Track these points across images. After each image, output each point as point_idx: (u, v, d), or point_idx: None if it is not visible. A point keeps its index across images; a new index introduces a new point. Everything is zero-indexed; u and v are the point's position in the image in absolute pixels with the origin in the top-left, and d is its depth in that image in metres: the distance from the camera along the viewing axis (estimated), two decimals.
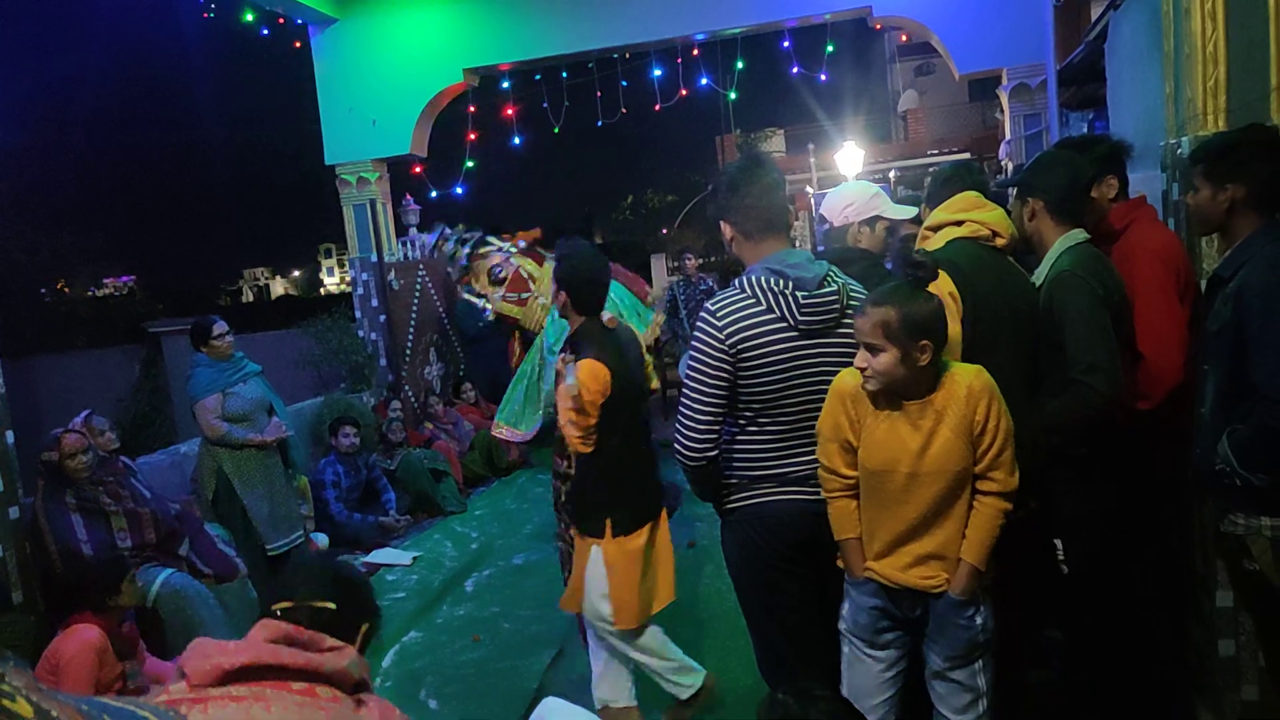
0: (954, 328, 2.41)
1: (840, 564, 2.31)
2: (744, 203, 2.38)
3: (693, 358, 2.32)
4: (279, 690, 1.38)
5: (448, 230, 4.83)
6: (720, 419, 2.31)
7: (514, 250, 4.57)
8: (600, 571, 3.01)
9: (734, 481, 2.41)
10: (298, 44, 8.38)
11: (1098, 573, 2.62)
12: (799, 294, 2.26)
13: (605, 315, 3.17)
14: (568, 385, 2.96)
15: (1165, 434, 2.55)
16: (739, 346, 2.26)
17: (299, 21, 8.16)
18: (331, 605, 1.52)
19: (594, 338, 3.05)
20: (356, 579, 1.67)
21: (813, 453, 2.33)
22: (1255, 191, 2.30)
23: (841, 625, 2.34)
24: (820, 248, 3.33)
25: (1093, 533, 2.59)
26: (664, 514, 3.18)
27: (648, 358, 3.80)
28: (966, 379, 2.10)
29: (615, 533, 2.99)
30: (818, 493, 2.32)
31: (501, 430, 4.39)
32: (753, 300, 2.29)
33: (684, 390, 2.35)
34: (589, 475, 3.09)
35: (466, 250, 4.52)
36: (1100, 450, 2.50)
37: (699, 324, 2.33)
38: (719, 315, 2.28)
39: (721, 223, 2.45)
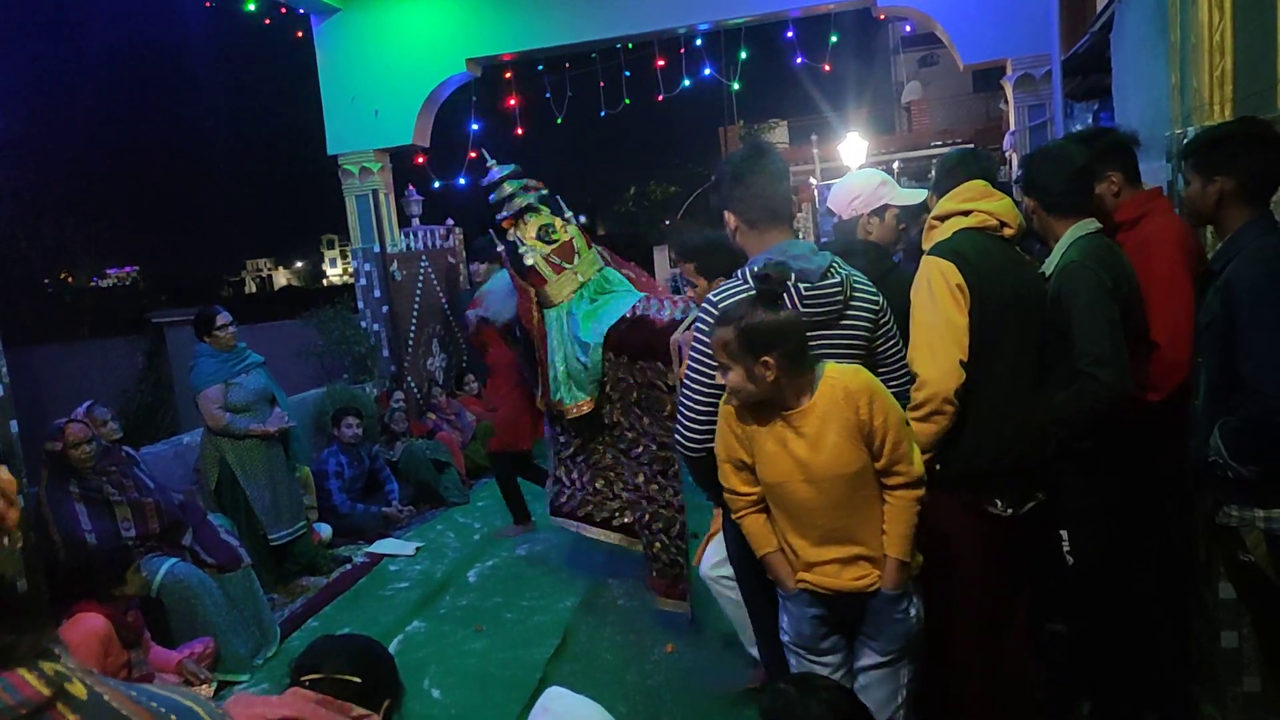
0: (960, 319, 2.40)
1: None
2: (748, 192, 2.36)
3: (694, 351, 2.30)
4: None
5: (502, 167, 4.63)
6: (715, 411, 2.29)
7: (575, 220, 4.54)
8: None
9: None
10: (300, 33, 8.36)
11: (1101, 565, 2.62)
12: (801, 286, 2.22)
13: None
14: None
15: (1172, 427, 2.54)
16: None
17: (301, 11, 8.14)
18: (357, 679, 1.63)
19: None
20: (382, 655, 1.77)
21: None
22: (1244, 184, 2.30)
23: (783, 638, 2.33)
24: (823, 239, 3.33)
25: (1098, 525, 2.59)
26: None
27: None
28: (843, 381, 2.09)
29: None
30: None
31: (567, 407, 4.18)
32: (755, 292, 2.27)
33: (684, 381, 2.33)
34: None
35: (532, 199, 4.39)
36: (1106, 443, 2.50)
37: (700, 315, 2.30)
38: (720, 306, 2.25)
39: (725, 212, 2.42)
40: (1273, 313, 2.14)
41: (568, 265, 4.24)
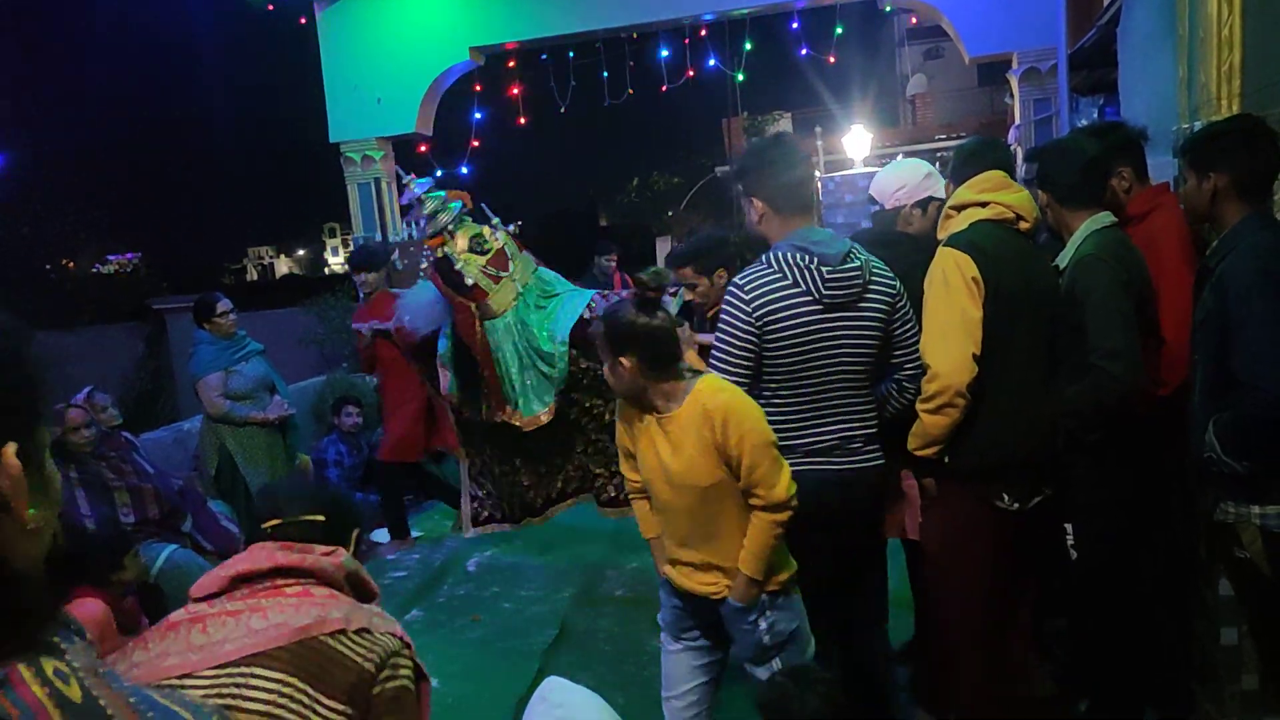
0: (975, 312, 2.39)
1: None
2: (777, 180, 2.42)
3: (720, 329, 2.36)
4: (274, 597, 1.40)
5: (420, 182, 4.50)
6: (745, 389, 2.32)
7: (503, 226, 4.41)
8: None
9: None
10: (303, 20, 8.32)
11: (1108, 560, 2.61)
12: (824, 269, 2.30)
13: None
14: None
15: (1177, 422, 2.54)
16: (765, 319, 2.30)
17: None
18: (321, 517, 1.54)
19: None
20: (340, 493, 1.71)
21: (835, 424, 2.38)
22: (1238, 180, 2.30)
23: (659, 617, 2.46)
24: (857, 227, 3.33)
25: (1107, 519, 2.59)
26: None
27: None
28: (704, 398, 2.13)
29: None
30: (840, 463, 2.39)
31: (516, 416, 4.04)
32: (779, 274, 2.33)
33: (711, 361, 2.38)
34: None
35: (457, 215, 4.26)
36: (1116, 436, 2.49)
37: (727, 297, 2.36)
38: (746, 289, 2.32)
39: (752, 199, 2.47)
40: (1264, 308, 2.14)
41: (504, 273, 4.16)
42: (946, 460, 2.49)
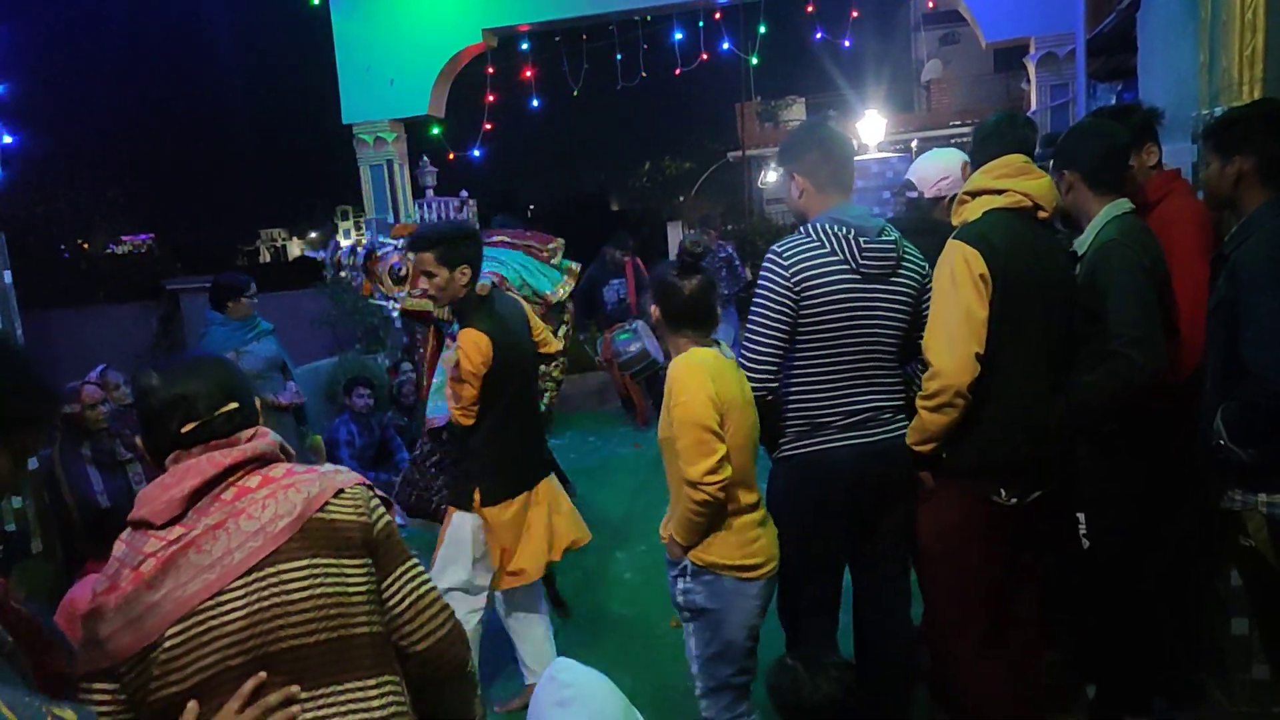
0: (980, 312, 2.35)
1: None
2: (823, 159, 2.47)
3: (758, 296, 2.40)
4: (244, 496, 1.41)
5: (334, 242, 4.56)
6: (781, 355, 2.39)
7: (400, 245, 4.30)
8: (461, 537, 3.14)
9: (797, 427, 2.44)
10: (316, 1, 8.29)
11: (1120, 551, 2.60)
12: (860, 239, 2.36)
13: (480, 283, 3.08)
14: (446, 355, 3.02)
15: (1188, 411, 2.52)
16: (802, 286, 2.34)
17: None
18: (235, 405, 1.48)
19: (474, 307, 3.02)
20: (234, 369, 1.58)
21: (869, 394, 2.41)
22: (1262, 164, 2.28)
23: None
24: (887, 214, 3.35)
25: (1119, 511, 2.57)
26: (547, 481, 3.25)
27: (539, 323, 3.54)
28: (673, 362, 2.33)
29: (484, 503, 3.07)
30: (876, 433, 2.42)
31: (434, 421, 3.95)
32: (817, 244, 2.37)
33: (749, 327, 2.43)
34: (464, 448, 3.12)
35: (362, 256, 4.28)
36: (1129, 426, 2.47)
37: (765, 265, 2.40)
38: (785, 256, 2.37)
39: (794, 175, 2.51)
40: (1273, 296, 2.11)
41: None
42: (944, 456, 2.46)
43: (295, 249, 67.90)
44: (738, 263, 9.37)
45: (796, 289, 2.33)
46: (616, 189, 35.69)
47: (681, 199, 29.49)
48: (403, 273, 4.20)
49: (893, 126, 18.43)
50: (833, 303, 2.34)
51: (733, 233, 14.33)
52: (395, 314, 4.23)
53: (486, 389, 2.97)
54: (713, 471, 2.18)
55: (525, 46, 8.95)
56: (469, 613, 3.16)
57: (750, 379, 2.37)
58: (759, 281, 2.41)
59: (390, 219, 8.15)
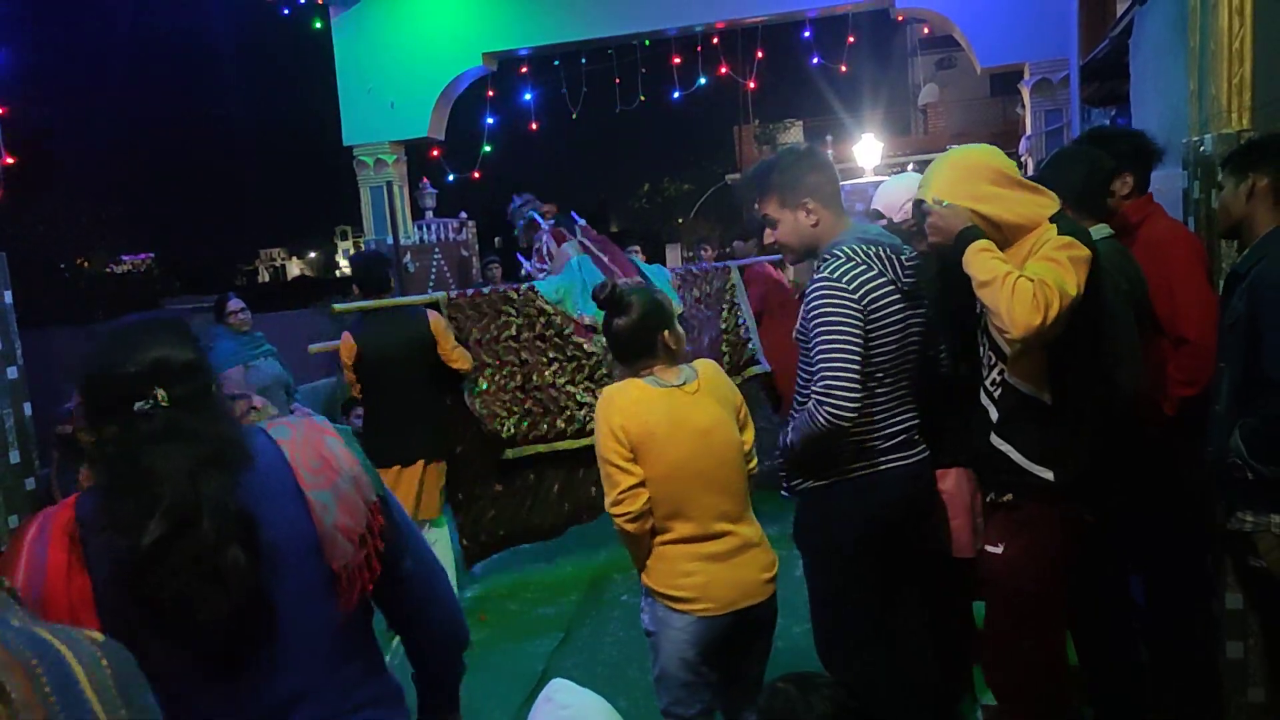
0: None
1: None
2: (827, 182, 2.44)
3: (829, 328, 2.23)
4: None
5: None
6: (860, 391, 2.22)
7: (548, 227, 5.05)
8: None
9: (849, 450, 2.33)
10: (318, 24, 8.39)
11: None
12: (900, 256, 2.33)
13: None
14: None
15: (1195, 428, 2.52)
16: (870, 310, 2.25)
17: (320, 1, 8.17)
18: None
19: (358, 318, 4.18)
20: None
21: (904, 415, 2.37)
22: (1276, 183, 2.31)
23: None
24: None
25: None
26: (419, 463, 4.08)
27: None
28: None
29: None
30: (912, 454, 2.37)
31: None
32: (866, 266, 2.28)
33: (828, 358, 2.22)
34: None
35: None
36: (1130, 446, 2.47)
37: (826, 294, 2.25)
38: (847, 282, 2.24)
39: (804, 204, 2.40)
40: None
41: (544, 267, 4.95)
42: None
43: (294, 268, 68.02)
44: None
45: (867, 313, 2.24)
46: (616, 209, 35.89)
47: (680, 220, 29.61)
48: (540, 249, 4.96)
49: (889, 149, 18.57)
50: (892, 325, 2.29)
51: (730, 254, 14.38)
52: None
53: (361, 377, 4.16)
54: (616, 503, 2.23)
55: (525, 70, 9.04)
56: None
57: (841, 414, 2.18)
58: (825, 312, 2.25)
59: (389, 240, 8.20)
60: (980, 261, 2.11)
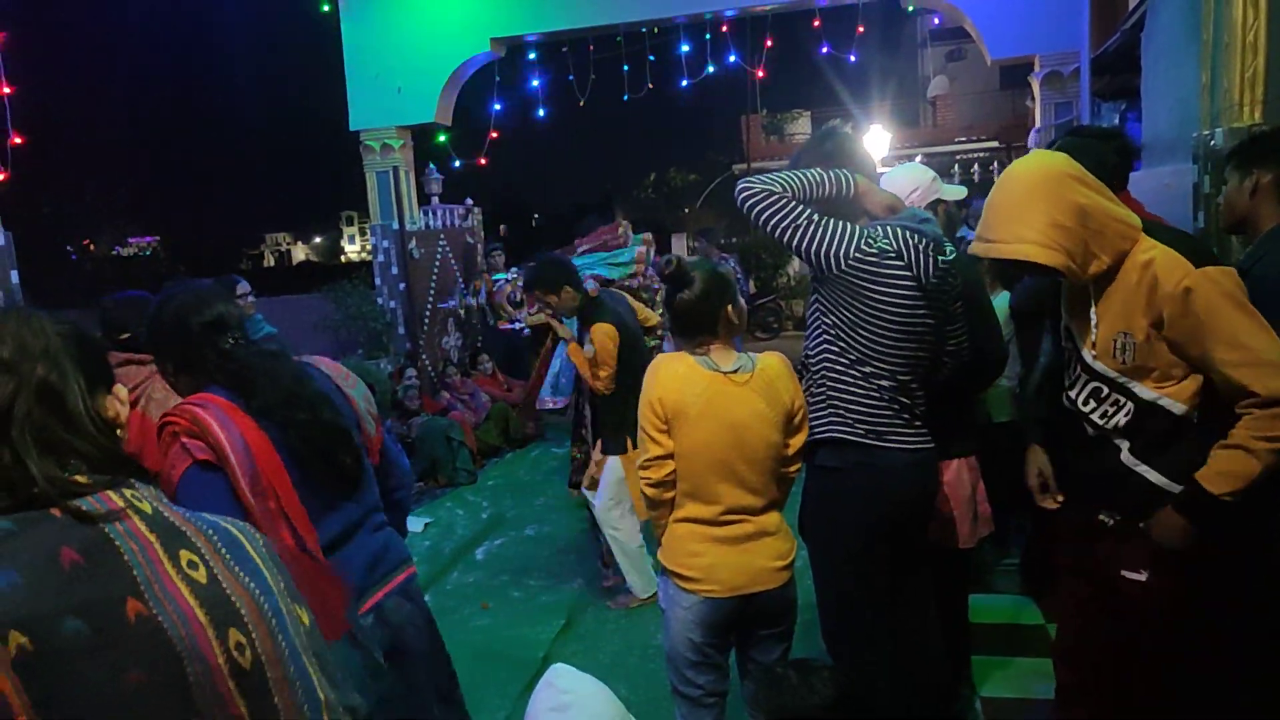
0: None
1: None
2: (864, 159, 2.44)
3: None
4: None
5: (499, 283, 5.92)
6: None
7: (511, 277, 5.60)
8: (615, 479, 3.97)
9: (855, 439, 2.31)
10: (326, 7, 8.36)
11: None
12: (936, 255, 2.25)
13: (589, 288, 4.10)
14: (586, 349, 3.95)
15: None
16: (866, 279, 2.21)
17: None
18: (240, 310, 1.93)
19: (594, 308, 4.04)
20: (139, 297, 2.09)
21: (913, 406, 2.33)
22: (1279, 179, 2.28)
23: None
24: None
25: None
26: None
27: (639, 305, 4.55)
28: None
29: (634, 447, 3.75)
30: (917, 447, 2.33)
31: (548, 402, 5.26)
32: (895, 253, 2.22)
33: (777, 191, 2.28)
34: (610, 409, 4.02)
35: (483, 295, 5.51)
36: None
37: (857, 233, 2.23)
38: (867, 241, 2.20)
39: (856, 176, 2.33)
40: None
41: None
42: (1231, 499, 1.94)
43: (300, 253, 68.09)
44: (740, 276, 9.39)
45: (860, 278, 2.20)
46: (622, 199, 35.75)
47: (686, 210, 29.54)
48: (518, 298, 5.50)
49: (898, 141, 18.47)
50: (893, 312, 2.22)
51: (736, 246, 14.37)
52: (525, 330, 5.47)
53: (621, 363, 3.89)
54: (645, 466, 2.30)
55: (532, 56, 9.01)
56: (633, 523, 4.05)
57: (754, 192, 2.22)
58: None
59: (395, 225, 8.20)
60: (1230, 480, 1.90)
